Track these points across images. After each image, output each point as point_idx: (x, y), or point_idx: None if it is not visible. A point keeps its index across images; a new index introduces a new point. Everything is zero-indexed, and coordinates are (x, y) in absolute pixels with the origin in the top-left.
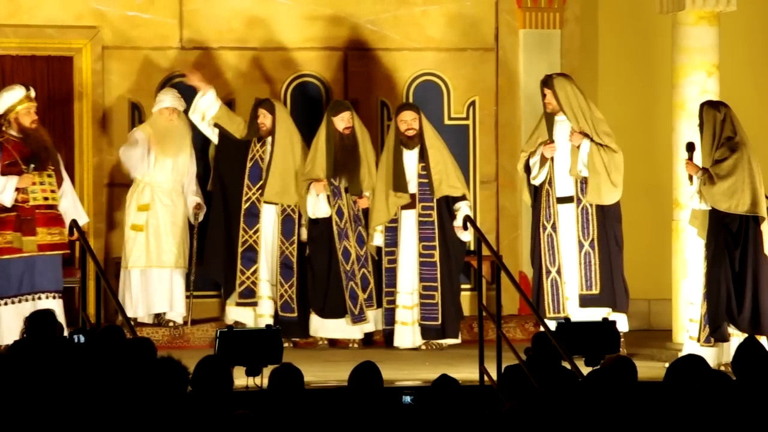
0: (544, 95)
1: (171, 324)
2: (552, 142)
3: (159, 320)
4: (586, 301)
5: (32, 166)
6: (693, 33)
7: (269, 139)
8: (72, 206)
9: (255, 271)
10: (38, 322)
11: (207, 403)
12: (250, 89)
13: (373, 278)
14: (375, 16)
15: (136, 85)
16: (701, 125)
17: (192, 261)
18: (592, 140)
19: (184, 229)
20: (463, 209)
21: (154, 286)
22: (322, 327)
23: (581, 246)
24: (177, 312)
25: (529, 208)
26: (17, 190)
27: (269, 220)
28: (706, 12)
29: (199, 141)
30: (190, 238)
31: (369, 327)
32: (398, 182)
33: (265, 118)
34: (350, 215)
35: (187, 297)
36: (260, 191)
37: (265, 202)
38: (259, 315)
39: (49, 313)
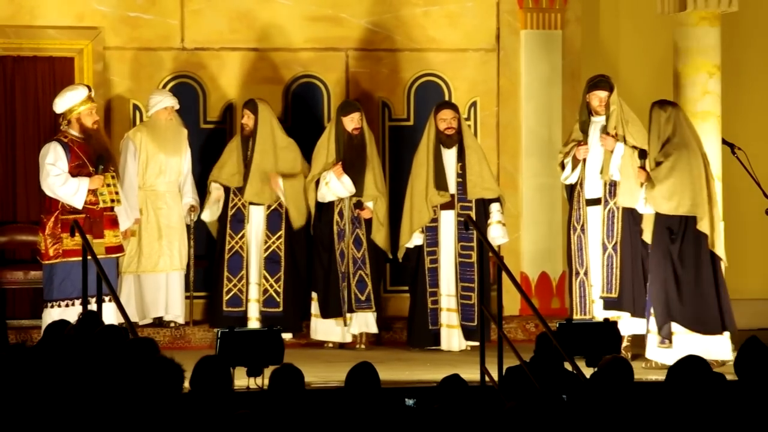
0: (587, 95)
1: (172, 324)
2: (586, 143)
3: (160, 321)
4: (607, 304)
5: (101, 167)
6: (694, 34)
7: (250, 139)
8: (124, 207)
9: (242, 278)
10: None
11: (205, 403)
12: (251, 90)
13: (371, 280)
14: (376, 17)
15: (138, 85)
16: (649, 126)
17: (190, 262)
18: (626, 143)
19: (181, 230)
20: (494, 214)
21: (147, 291)
22: (314, 330)
23: (605, 248)
24: (174, 314)
25: (530, 208)
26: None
27: (258, 220)
28: (707, 13)
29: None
30: (188, 239)
31: (354, 329)
32: (439, 181)
33: (248, 119)
34: (350, 217)
35: (187, 298)
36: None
37: (246, 202)
38: (247, 318)
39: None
